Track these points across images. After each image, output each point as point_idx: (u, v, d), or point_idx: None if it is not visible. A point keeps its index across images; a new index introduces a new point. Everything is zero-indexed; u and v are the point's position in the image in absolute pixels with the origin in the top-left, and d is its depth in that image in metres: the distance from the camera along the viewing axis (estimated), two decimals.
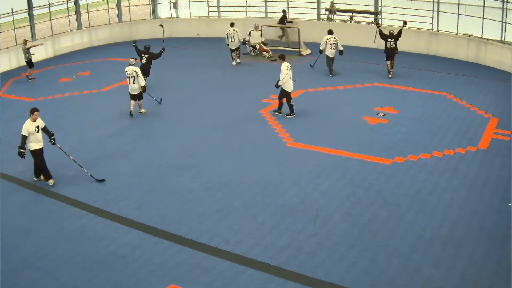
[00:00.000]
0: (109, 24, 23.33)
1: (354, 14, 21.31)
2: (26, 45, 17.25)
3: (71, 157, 10.31)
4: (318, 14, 22.26)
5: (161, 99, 14.81)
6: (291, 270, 7.35)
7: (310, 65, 17.81)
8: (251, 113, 13.65)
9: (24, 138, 9.69)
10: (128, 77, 13.45)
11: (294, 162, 10.79)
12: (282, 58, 13.28)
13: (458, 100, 14.14)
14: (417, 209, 8.81)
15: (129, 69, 13.42)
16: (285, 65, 12.98)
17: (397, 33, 16.00)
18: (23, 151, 9.76)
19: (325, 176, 10.09)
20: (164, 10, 24.77)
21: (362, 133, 12.16)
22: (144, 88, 13.59)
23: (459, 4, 18.00)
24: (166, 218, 8.80)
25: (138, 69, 13.50)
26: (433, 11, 18.98)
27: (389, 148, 11.22)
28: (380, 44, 17.09)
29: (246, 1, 23.07)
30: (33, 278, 7.36)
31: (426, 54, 19.21)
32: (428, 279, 7.06)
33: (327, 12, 21.60)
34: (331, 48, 16.40)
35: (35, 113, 9.76)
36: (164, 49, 15.75)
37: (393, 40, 15.89)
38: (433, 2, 18.91)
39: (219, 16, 23.95)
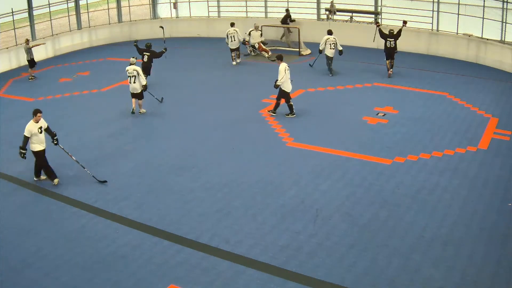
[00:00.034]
0: (109, 24, 23.33)
1: (354, 14, 21.31)
2: (28, 44, 17.27)
3: (74, 158, 10.31)
4: (318, 14, 22.26)
5: (162, 98, 14.83)
6: (291, 270, 7.35)
7: (310, 64, 17.83)
8: (251, 113, 13.65)
9: (26, 139, 9.69)
10: (129, 76, 13.47)
11: (294, 162, 10.79)
12: (280, 58, 13.30)
13: (458, 100, 14.15)
14: (417, 209, 8.81)
15: (130, 68, 13.44)
16: (283, 66, 12.99)
17: (397, 32, 16.01)
18: (24, 151, 9.77)
19: (325, 176, 10.09)
20: (164, 10, 24.76)
21: (362, 133, 12.16)
22: (145, 87, 13.62)
23: (459, 4, 18.00)
24: (166, 218, 8.81)
25: (139, 68, 13.54)
26: (433, 11, 18.97)
27: (389, 148, 11.22)
28: (380, 43, 17.10)
29: (246, 1, 23.07)
30: (33, 278, 7.37)
31: (426, 54, 19.21)
32: (428, 279, 7.07)
33: (327, 12, 21.60)
34: (330, 48, 16.41)
35: (38, 114, 9.74)
36: (165, 49, 15.92)
37: (393, 39, 15.90)
38: (433, 2, 18.91)
39: (219, 16, 23.94)
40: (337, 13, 21.34)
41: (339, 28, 19.58)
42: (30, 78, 17.62)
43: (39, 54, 18.87)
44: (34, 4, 20.23)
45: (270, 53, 19.39)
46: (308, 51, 19.78)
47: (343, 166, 10.49)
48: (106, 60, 20.20)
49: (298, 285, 7.05)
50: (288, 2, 21.90)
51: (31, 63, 17.46)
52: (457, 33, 18.48)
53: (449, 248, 7.70)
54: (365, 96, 14.84)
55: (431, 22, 19.13)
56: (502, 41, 17.20)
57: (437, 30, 19.19)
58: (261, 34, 19.71)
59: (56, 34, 21.45)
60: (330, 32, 16.54)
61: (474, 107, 13.57)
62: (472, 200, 9.07)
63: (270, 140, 11.98)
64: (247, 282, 7.14)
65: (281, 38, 21.18)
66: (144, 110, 14.02)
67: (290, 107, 13.28)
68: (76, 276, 7.37)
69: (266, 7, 23.08)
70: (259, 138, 12.13)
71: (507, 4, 16.88)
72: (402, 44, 17.11)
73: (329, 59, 16.64)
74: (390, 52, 16.12)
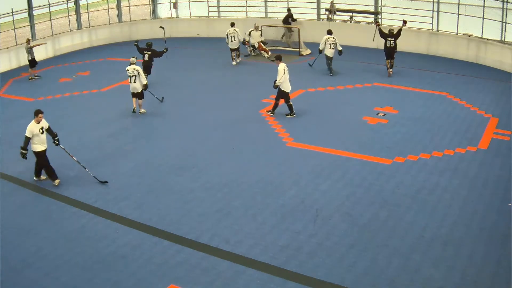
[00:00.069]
0: (109, 24, 23.32)
1: (354, 14, 21.31)
2: (29, 44, 17.27)
3: (75, 158, 10.30)
4: (318, 14, 22.26)
5: (162, 98, 14.83)
6: (291, 270, 7.35)
7: (309, 64, 17.83)
8: (251, 113, 13.65)
9: (27, 140, 9.68)
10: (129, 76, 13.47)
11: (294, 162, 10.79)
12: (279, 58, 13.31)
13: (458, 100, 14.15)
14: (417, 209, 8.81)
15: (130, 68, 13.45)
16: (282, 66, 13.00)
17: (397, 32, 16.02)
18: (25, 152, 9.77)
19: (325, 176, 10.09)
20: (164, 10, 24.76)
21: (362, 133, 12.16)
22: (146, 86, 13.63)
23: (459, 4, 18.00)
24: (166, 218, 8.81)
25: (139, 68, 13.56)
26: (433, 11, 18.97)
27: (389, 148, 11.22)
28: (380, 43, 17.11)
29: (246, 1, 23.07)
30: (33, 278, 7.37)
31: (426, 54, 19.20)
32: (428, 279, 7.07)
33: (327, 12, 21.60)
34: (330, 48, 16.41)
35: (40, 115, 9.73)
36: (166, 49, 15.99)
37: (393, 39, 15.91)
38: (433, 2, 18.91)
39: (219, 16, 23.94)
40: (337, 13, 21.34)
41: (339, 28, 19.58)
42: (30, 78, 17.61)
43: (39, 54, 18.84)
44: (34, 4, 20.23)
45: (270, 53, 19.39)
46: (308, 51, 19.78)
47: (343, 166, 10.49)
48: (106, 60, 20.21)
49: (298, 285, 7.05)
50: (288, 2, 21.90)
51: (32, 63, 17.46)
52: (457, 33, 18.48)
53: (449, 248, 7.70)
54: (365, 96, 14.84)
55: (431, 22, 19.13)
56: (502, 41, 17.20)
57: (437, 30, 19.18)
58: (261, 34, 19.71)
59: (56, 34, 21.45)
60: (330, 32, 16.54)
61: (474, 107, 13.57)
62: (472, 200, 9.07)
63: (270, 140, 11.98)
64: (247, 282, 7.14)
65: (282, 38, 21.19)
66: (144, 110, 14.02)
67: (290, 107, 13.28)
68: (76, 276, 7.37)
69: (266, 7, 23.07)
70: (259, 138, 12.13)
71: (507, 4, 16.88)
72: (402, 44, 17.11)
73: (329, 59, 16.64)
74: (390, 52, 16.13)
